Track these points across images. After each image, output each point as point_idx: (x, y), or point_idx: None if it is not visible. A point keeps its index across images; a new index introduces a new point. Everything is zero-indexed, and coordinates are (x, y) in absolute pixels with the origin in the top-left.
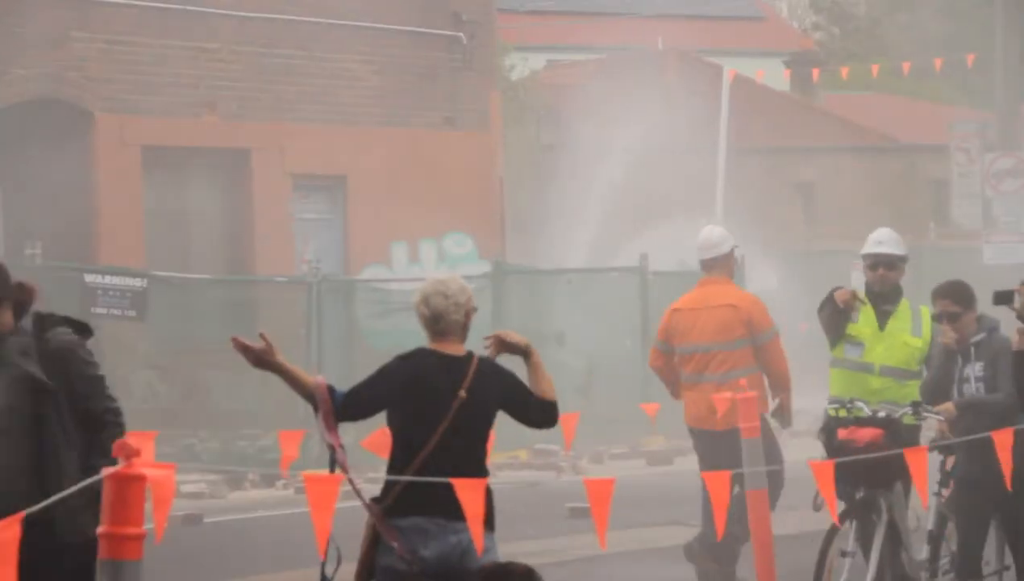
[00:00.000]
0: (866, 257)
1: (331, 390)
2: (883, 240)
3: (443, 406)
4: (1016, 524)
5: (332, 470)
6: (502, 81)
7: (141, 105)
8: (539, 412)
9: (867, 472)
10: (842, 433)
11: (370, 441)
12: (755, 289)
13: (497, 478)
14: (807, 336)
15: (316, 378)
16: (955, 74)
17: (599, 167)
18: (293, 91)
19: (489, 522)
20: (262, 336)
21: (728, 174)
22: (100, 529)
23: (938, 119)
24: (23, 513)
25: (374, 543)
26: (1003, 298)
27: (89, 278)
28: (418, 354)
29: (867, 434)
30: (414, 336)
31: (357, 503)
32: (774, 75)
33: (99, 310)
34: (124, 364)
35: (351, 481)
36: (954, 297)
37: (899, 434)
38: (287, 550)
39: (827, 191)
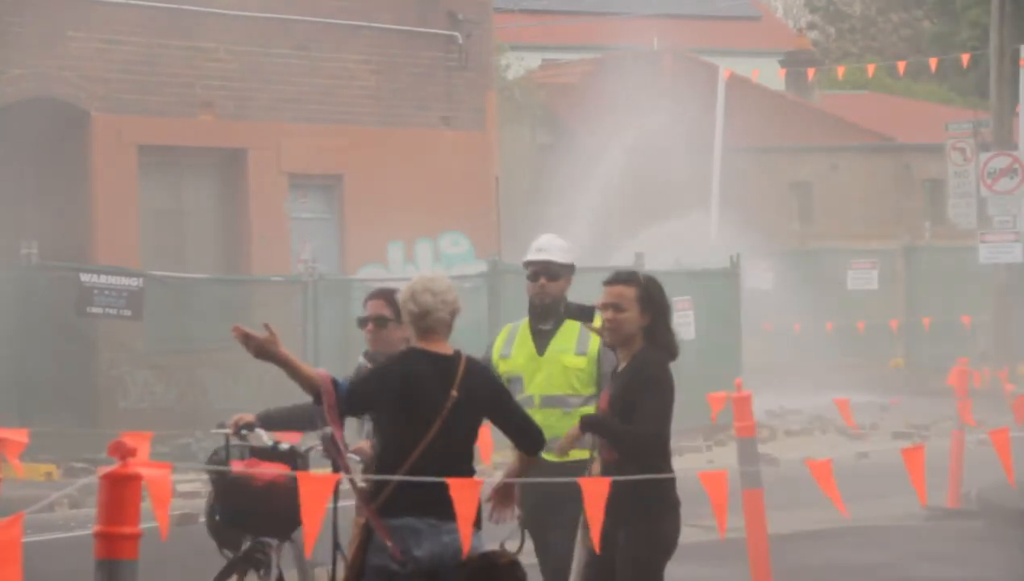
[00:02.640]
0: (525, 265)
1: (334, 382)
2: (544, 246)
3: (436, 406)
4: None
5: (335, 468)
6: (498, 80)
7: (137, 104)
8: (522, 431)
9: (262, 517)
10: (237, 464)
11: None
12: (750, 288)
13: (493, 478)
14: (800, 336)
15: (319, 370)
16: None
17: (595, 166)
18: (289, 90)
19: (477, 522)
20: (266, 326)
21: (723, 173)
22: (96, 528)
23: (933, 118)
24: (23, 513)
25: (364, 543)
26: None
27: (85, 277)
28: (409, 354)
29: (270, 471)
30: None
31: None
32: (769, 74)
33: (95, 309)
34: (120, 364)
35: (351, 480)
36: (387, 298)
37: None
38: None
39: (822, 190)
